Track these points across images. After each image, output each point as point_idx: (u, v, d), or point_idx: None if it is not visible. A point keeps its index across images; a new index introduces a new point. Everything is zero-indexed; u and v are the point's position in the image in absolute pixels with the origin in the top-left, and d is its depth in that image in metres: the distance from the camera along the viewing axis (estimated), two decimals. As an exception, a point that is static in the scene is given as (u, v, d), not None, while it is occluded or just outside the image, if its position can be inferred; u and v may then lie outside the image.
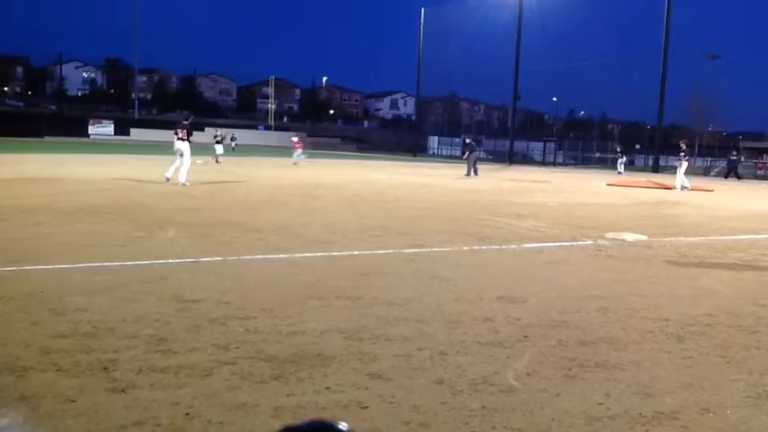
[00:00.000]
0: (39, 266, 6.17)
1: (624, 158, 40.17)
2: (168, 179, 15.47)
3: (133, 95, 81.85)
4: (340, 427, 0.53)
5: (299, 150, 31.81)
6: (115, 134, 67.81)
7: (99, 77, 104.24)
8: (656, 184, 26.22)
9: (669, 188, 23.58)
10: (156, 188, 14.42)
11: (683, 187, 23.55)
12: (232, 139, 46.47)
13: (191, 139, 16.04)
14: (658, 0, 45.37)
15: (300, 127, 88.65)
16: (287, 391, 3.41)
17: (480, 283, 6.27)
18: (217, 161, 28.42)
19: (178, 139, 15.87)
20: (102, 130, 68.46)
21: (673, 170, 27.95)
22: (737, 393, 3.64)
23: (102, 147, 42.42)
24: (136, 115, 79.34)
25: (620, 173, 36.96)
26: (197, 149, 17.02)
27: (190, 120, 17.21)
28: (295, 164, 30.46)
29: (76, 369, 3.59)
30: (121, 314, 4.64)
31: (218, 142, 30.42)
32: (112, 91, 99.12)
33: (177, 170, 15.57)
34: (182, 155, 15.70)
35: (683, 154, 24.93)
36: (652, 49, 46.05)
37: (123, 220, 9.48)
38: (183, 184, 14.98)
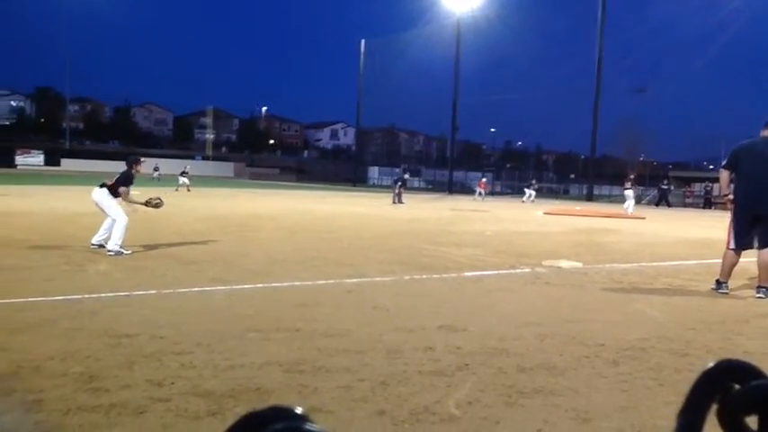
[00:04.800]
0: (-41, 303, 5.85)
1: (532, 190, 40.81)
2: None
3: (64, 125, 79.56)
4: (296, 411, 0.56)
5: None
6: (45, 164, 65.72)
7: (28, 107, 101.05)
8: (599, 212, 27.12)
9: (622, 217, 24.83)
10: (87, 219, 13.96)
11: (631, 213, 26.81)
12: (155, 170, 46.46)
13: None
14: (591, 36, 47.22)
15: (239, 157, 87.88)
16: (224, 428, 3.27)
17: (421, 313, 6.28)
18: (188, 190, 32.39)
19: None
20: (31, 160, 66.29)
21: (607, 199, 30.00)
22: (671, 416, 3.67)
23: (30, 177, 40.98)
24: (67, 145, 77.10)
25: (523, 201, 38.02)
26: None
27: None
28: None
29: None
30: (48, 352, 4.43)
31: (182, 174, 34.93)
32: (42, 120, 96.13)
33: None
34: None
35: (629, 183, 27.45)
36: (586, 82, 47.84)
37: (52, 254, 9.12)
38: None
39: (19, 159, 65.24)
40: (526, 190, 40.62)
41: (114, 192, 9.76)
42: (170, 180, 40.41)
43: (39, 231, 11.90)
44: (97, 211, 9.91)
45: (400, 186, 30.47)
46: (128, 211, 9.89)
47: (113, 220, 9.59)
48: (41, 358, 4.30)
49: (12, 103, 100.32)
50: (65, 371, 4.07)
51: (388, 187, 53.64)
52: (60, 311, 5.71)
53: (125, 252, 9.31)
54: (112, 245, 9.33)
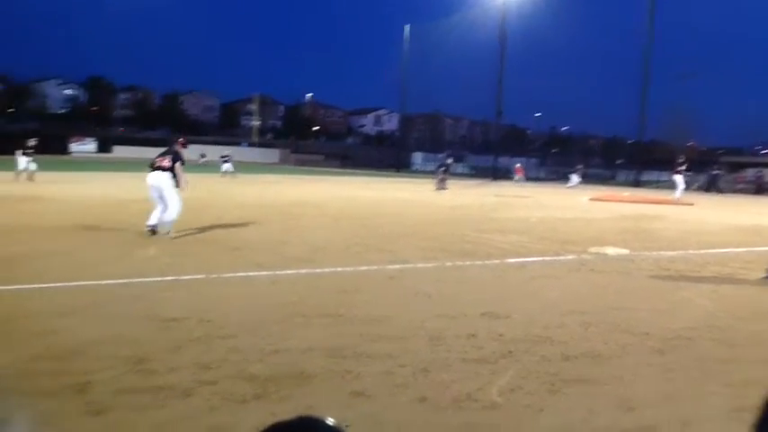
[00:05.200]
0: (14, 286, 6.08)
1: (578, 176, 40.22)
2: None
3: (115, 113, 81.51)
4: (327, 422, 0.53)
5: None
6: (98, 152, 67.45)
7: (81, 95, 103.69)
8: (647, 198, 26.59)
9: (668, 203, 24.27)
10: (136, 205, 14.29)
11: (678, 198, 25.50)
12: (202, 156, 46.71)
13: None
14: (640, 16, 46.09)
15: (284, 144, 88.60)
16: (269, 411, 3.38)
17: (463, 299, 6.27)
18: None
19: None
20: (84, 147, 68.05)
21: (655, 185, 29.02)
22: (717, 406, 3.65)
23: (83, 164, 42.10)
24: (118, 133, 78.97)
25: (568, 187, 37.50)
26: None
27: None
28: None
29: (52, 391, 3.53)
30: (99, 335, 4.58)
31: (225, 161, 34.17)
32: (94, 108, 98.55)
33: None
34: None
35: (682, 168, 26.57)
36: (633, 65, 46.77)
37: (102, 239, 9.39)
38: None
39: (73, 147, 67.02)
40: (571, 176, 39.88)
41: (173, 173, 10.02)
42: (217, 166, 41.13)
43: (90, 217, 12.24)
44: (146, 197, 10.15)
45: (444, 172, 30.01)
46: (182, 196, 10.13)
47: (167, 204, 9.88)
48: (93, 340, 4.45)
49: (65, 92, 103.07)
50: (115, 353, 4.20)
51: (432, 173, 53.29)
52: (110, 295, 5.88)
53: (172, 234, 9.66)
54: (167, 222, 9.82)
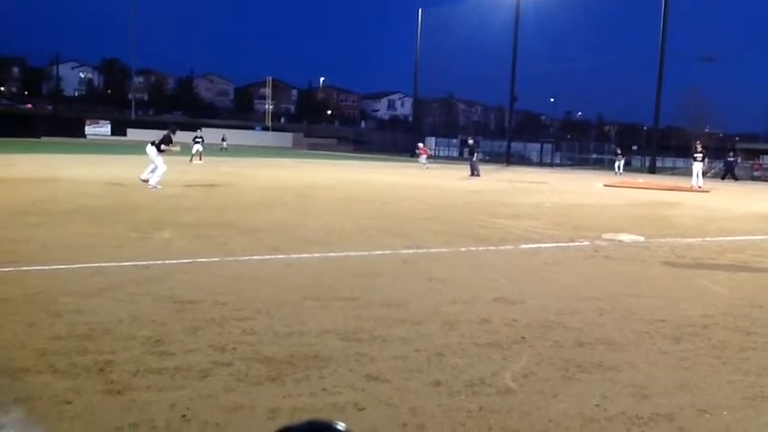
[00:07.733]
0: (35, 267, 6.16)
1: (623, 159, 39.87)
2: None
3: (130, 96, 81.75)
4: (338, 427, 0.52)
5: None
6: (112, 134, 67.78)
7: (96, 78, 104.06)
8: (662, 185, 26.37)
9: (685, 189, 24.05)
10: (152, 189, 14.41)
11: (698, 186, 25.22)
12: (223, 140, 46.17)
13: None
14: (655, 2, 45.50)
15: (297, 128, 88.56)
16: (284, 393, 3.41)
17: (477, 285, 6.28)
18: (200, 158, 29.54)
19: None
20: (99, 130, 68.39)
21: (670, 171, 28.63)
22: (734, 394, 3.64)
23: (99, 147, 42.37)
24: (132, 116, 79.27)
25: (617, 173, 36.99)
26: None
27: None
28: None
29: (72, 371, 3.58)
30: (118, 315, 4.63)
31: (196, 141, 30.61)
32: (109, 91, 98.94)
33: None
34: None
35: (700, 155, 26.18)
36: (649, 51, 46.24)
37: (119, 221, 9.46)
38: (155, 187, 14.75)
39: (88, 129, 67.36)
40: (618, 162, 39.05)
41: (159, 148, 15.09)
42: (233, 150, 41.34)
43: (108, 199, 12.34)
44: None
45: (471, 154, 28.80)
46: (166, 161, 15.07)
47: (156, 166, 14.84)
48: (112, 321, 4.50)
49: (80, 74, 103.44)
50: (133, 334, 4.25)
51: (445, 158, 52.74)
52: (129, 277, 5.94)
53: (158, 187, 14.41)
54: (154, 182, 14.66)
